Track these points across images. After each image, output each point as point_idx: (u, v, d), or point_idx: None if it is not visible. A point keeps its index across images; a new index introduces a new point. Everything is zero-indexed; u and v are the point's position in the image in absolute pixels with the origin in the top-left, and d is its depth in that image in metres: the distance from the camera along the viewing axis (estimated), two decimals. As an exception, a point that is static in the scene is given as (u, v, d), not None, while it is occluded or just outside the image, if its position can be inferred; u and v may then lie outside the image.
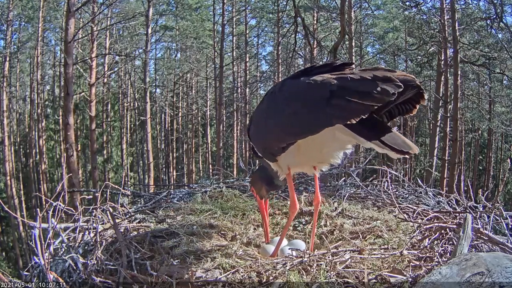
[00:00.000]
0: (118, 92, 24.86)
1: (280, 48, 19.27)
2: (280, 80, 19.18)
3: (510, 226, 2.72)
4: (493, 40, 13.42)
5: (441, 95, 13.63)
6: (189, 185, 4.56)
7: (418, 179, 3.96)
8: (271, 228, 3.08)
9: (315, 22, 16.63)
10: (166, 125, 27.01)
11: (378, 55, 21.71)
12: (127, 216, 3.23)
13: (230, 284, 2.06)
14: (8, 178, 17.82)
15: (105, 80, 20.64)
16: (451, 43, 12.00)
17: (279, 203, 3.50)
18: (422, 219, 2.90)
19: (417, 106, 2.00)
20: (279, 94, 2.16)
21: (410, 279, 1.96)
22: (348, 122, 1.84)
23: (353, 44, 13.90)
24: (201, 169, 26.26)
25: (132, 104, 25.83)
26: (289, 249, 2.50)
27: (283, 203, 3.47)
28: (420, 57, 16.82)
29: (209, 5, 21.26)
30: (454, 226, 2.56)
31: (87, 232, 2.76)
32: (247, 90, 20.30)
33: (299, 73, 2.13)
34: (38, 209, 2.60)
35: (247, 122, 2.78)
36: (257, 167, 3.10)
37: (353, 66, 2.04)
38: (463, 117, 17.75)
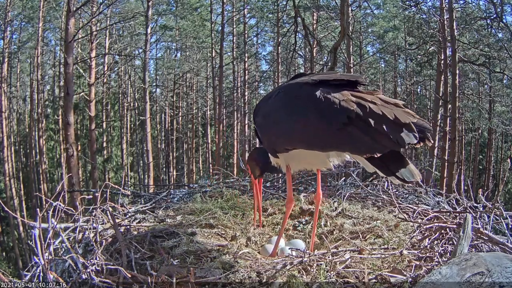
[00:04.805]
0: (118, 92, 24.82)
1: (280, 48, 19.23)
2: (280, 80, 19.18)
3: (510, 226, 2.72)
4: (493, 39, 13.41)
5: (441, 95, 13.62)
6: (189, 185, 4.56)
7: (418, 179, 3.94)
8: (271, 228, 3.08)
9: (315, 22, 16.59)
10: (166, 125, 26.97)
11: (378, 54, 21.68)
12: (127, 216, 3.23)
13: (230, 284, 2.06)
14: (7, 178, 17.80)
15: (105, 80, 20.61)
16: (450, 42, 12.00)
17: (279, 203, 3.50)
18: (422, 219, 2.91)
19: (421, 144, 1.93)
20: (295, 99, 2.11)
21: (410, 279, 1.96)
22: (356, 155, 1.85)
23: (351, 43, 13.89)
24: (201, 169, 26.23)
25: (132, 104, 25.78)
26: (289, 249, 2.50)
27: (283, 203, 3.46)
28: (420, 57, 16.82)
29: (209, 4, 21.24)
30: (454, 226, 2.56)
31: (87, 232, 2.76)
32: (247, 90, 20.29)
33: (317, 80, 2.07)
34: (38, 209, 2.60)
35: (251, 115, 2.70)
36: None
37: (365, 83, 2.01)
38: (463, 116, 17.73)
